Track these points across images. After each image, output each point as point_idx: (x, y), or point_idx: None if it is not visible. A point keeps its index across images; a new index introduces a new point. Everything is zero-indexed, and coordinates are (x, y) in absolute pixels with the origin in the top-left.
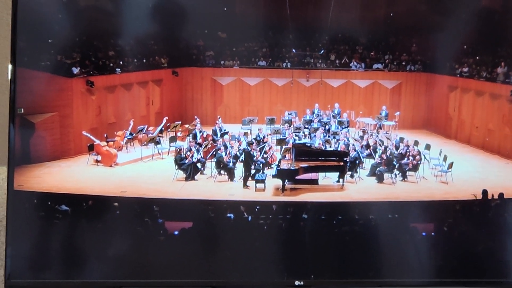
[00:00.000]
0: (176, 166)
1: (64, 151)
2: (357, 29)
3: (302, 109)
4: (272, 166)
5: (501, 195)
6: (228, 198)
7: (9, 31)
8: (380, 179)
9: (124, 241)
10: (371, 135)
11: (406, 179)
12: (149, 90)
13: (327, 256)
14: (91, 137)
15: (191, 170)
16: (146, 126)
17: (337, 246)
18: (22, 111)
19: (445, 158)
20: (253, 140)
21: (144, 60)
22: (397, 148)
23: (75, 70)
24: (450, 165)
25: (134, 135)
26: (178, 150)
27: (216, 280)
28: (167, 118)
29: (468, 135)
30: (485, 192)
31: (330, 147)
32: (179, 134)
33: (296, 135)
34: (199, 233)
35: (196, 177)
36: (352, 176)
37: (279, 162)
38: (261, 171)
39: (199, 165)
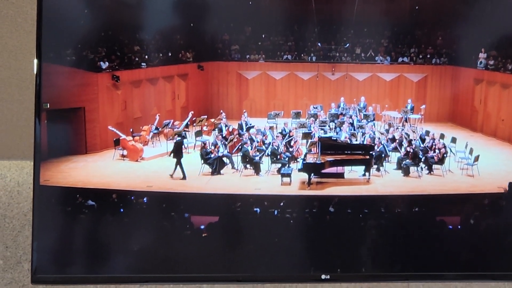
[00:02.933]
0: (202, 161)
1: (90, 146)
2: (382, 22)
3: (327, 102)
4: (298, 160)
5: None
6: (254, 192)
7: (34, 26)
8: (406, 173)
9: (150, 235)
10: (397, 128)
11: (432, 173)
12: (174, 85)
13: (354, 250)
14: (117, 131)
15: (217, 164)
16: (172, 120)
17: (363, 240)
18: (48, 106)
19: (471, 151)
20: (279, 134)
21: (170, 54)
22: (423, 141)
23: (103, 65)
24: (476, 158)
25: (160, 129)
26: (203, 144)
27: (242, 274)
28: (192, 112)
29: (494, 128)
30: (511, 185)
31: (356, 140)
32: (205, 128)
33: (321, 129)
34: (225, 227)
35: (222, 171)
36: (378, 169)
37: (305, 156)
38: (287, 165)
39: (225, 159)
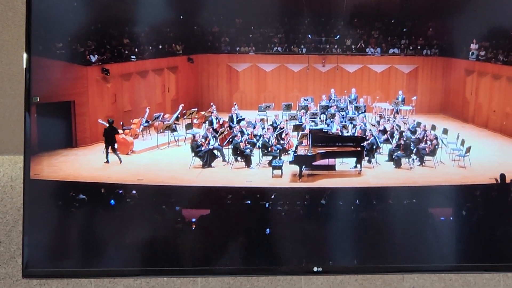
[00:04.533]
0: (193, 153)
1: (80, 140)
2: (372, 14)
3: (318, 94)
4: (289, 152)
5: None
6: (245, 184)
7: (24, 20)
8: (398, 164)
9: (142, 229)
10: (388, 120)
11: (423, 164)
12: (164, 77)
13: (345, 242)
14: (107, 125)
15: (207, 157)
16: (162, 113)
17: (355, 232)
18: (38, 100)
19: (462, 143)
20: (270, 126)
21: (159, 47)
22: (414, 132)
23: (93, 58)
24: (468, 150)
25: (150, 122)
26: (194, 137)
27: (233, 267)
28: (183, 105)
29: (486, 119)
30: (502, 176)
31: (347, 132)
32: (195, 121)
33: (312, 121)
34: (216, 220)
35: (213, 164)
36: (369, 161)
37: (296, 148)
38: (278, 157)
39: (216, 152)
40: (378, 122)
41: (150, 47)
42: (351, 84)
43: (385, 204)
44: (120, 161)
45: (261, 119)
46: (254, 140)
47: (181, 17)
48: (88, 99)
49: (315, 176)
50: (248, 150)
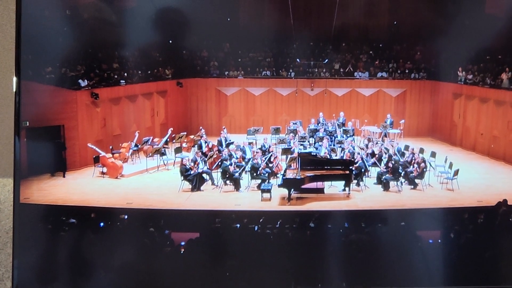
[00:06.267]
0: (182, 177)
1: (70, 163)
2: (361, 38)
3: (307, 118)
4: (278, 175)
5: (504, 201)
6: (235, 208)
7: (13, 44)
8: (386, 187)
9: (131, 252)
10: (377, 143)
11: (415, 188)
12: (153, 102)
13: (334, 264)
14: (97, 149)
15: (196, 181)
16: (152, 137)
17: (344, 254)
18: (27, 124)
19: (450, 166)
20: (259, 150)
21: (149, 72)
22: (402, 155)
23: (83, 83)
24: (456, 172)
25: (139, 146)
26: (182, 160)
27: None
28: (172, 129)
29: (473, 142)
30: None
31: (336, 155)
32: (184, 145)
33: (301, 144)
34: (205, 244)
35: (202, 187)
36: (358, 184)
37: (285, 171)
38: (267, 180)
39: (205, 175)
40: (367, 145)
41: (139, 71)
42: (340, 107)
43: (374, 226)
44: None
45: (250, 143)
46: (243, 163)
47: (170, 41)
48: (77, 123)
49: (304, 199)
50: (237, 174)
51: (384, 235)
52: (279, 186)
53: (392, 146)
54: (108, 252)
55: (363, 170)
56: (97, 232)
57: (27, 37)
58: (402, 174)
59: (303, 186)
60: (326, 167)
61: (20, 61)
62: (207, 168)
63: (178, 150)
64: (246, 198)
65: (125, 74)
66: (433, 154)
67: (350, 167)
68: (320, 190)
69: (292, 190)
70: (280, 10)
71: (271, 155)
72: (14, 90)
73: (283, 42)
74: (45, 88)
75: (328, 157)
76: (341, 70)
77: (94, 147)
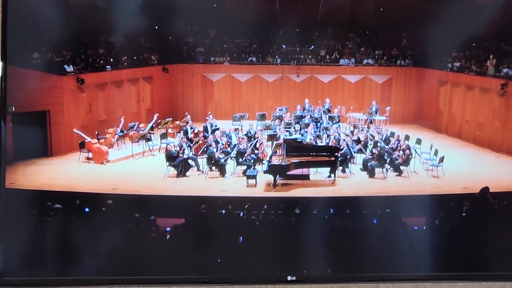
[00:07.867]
0: (167, 163)
1: (55, 149)
2: (347, 25)
3: (293, 104)
4: (263, 161)
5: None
6: (220, 194)
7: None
8: (372, 174)
9: (117, 238)
10: (362, 130)
11: (400, 174)
12: (139, 87)
13: (320, 251)
14: (82, 134)
15: (182, 167)
16: (137, 123)
17: (329, 241)
18: (13, 109)
19: (436, 153)
20: (244, 136)
21: (135, 57)
22: (388, 142)
23: (68, 68)
24: (441, 159)
25: (125, 132)
26: (167, 146)
27: (209, 276)
28: (157, 115)
29: (459, 129)
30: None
31: (321, 142)
32: (170, 130)
33: (287, 131)
34: (191, 229)
35: (187, 173)
36: (343, 171)
37: (270, 157)
38: (253, 167)
39: (190, 161)
40: (352, 132)
41: (125, 57)
42: (325, 94)
43: (359, 213)
44: None
45: (236, 129)
46: (229, 149)
47: (156, 27)
48: (63, 108)
49: (290, 186)
50: (222, 160)
51: (369, 221)
52: (265, 172)
53: (379, 133)
54: (93, 238)
55: (348, 156)
56: (83, 217)
57: (14, 23)
58: (387, 161)
59: (288, 173)
60: (311, 154)
61: (6, 46)
62: (193, 154)
63: (163, 136)
64: (232, 184)
65: (111, 59)
66: (418, 141)
67: (336, 154)
68: (306, 177)
69: (278, 176)
70: None
71: (257, 141)
72: (0, 75)
73: (269, 28)
74: (31, 73)
75: (314, 143)
76: (327, 56)
77: (80, 133)
